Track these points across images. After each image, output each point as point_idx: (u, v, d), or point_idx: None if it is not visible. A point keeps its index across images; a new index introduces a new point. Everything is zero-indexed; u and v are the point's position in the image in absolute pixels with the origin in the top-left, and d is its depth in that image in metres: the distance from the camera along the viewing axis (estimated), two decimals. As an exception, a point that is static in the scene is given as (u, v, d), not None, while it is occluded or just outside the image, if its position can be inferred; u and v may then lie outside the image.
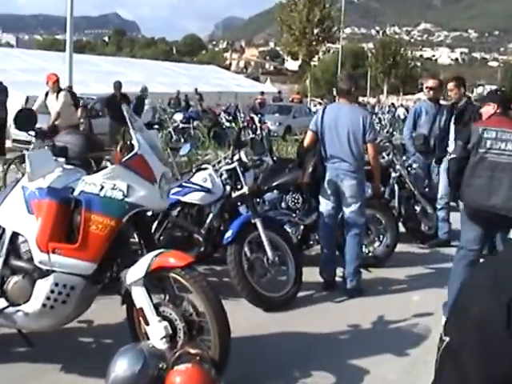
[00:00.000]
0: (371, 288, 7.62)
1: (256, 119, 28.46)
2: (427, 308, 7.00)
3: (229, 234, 6.56)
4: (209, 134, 22.22)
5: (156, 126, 16.55)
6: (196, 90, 35.81)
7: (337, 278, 7.58)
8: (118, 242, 4.60)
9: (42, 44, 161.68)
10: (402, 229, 9.83)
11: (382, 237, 8.59)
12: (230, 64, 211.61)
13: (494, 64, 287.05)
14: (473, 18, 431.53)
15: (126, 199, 4.50)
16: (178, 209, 6.99)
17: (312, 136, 7.33)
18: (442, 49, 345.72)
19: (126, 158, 4.60)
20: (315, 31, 40.61)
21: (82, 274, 4.58)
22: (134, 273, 4.48)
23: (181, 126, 25.63)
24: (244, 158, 6.94)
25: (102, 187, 4.51)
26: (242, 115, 28.18)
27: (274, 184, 8.20)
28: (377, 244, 8.58)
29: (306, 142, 7.42)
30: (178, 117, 25.98)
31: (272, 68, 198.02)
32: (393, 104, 55.92)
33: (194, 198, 6.84)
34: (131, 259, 4.59)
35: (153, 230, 6.83)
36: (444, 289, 7.64)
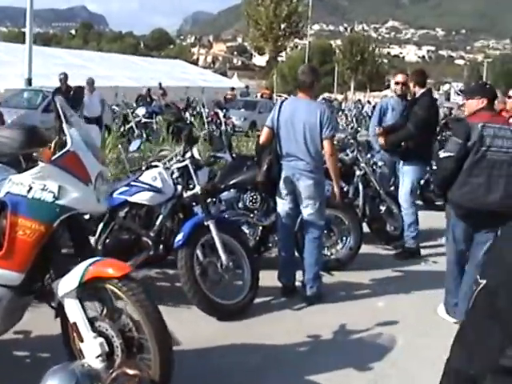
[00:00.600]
0: (333, 293, 7.20)
1: (221, 114, 28.08)
2: (393, 315, 6.59)
3: (179, 236, 6.09)
4: (170, 129, 21.88)
5: (107, 123, 16.07)
6: (160, 84, 35.21)
7: (297, 283, 7.15)
8: (48, 249, 4.13)
9: (8, 36, 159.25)
10: (366, 229, 9.47)
11: (344, 238, 8.17)
12: (198, 59, 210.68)
13: (461, 62, 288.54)
14: (440, 17, 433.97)
15: (57, 202, 4.01)
16: (126, 210, 6.49)
17: (268, 132, 6.89)
18: (410, 46, 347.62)
19: (57, 155, 4.11)
20: (282, 26, 40.21)
21: (7, 284, 4.10)
22: (67, 283, 4.01)
23: (143, 120, 25.14)
24: (196, 155, 6.48)
25: (31, 188, 4.02)
26: (207, 110, 27.74)
27: (231, 182, 7.76)
28: (339, 246, 8.16)
29: (261, 139, 6.99)
30: (141, 111, 25.43)
31: (240, 63, 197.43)
32: (359, 100, 55.80)
33: (143, 198, 6.33)
34: (64, 268, 4.11)
35: (98, 233, 6.35)
36: (410, 294, 7.32)
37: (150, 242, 6.33)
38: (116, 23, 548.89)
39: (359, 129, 29.26)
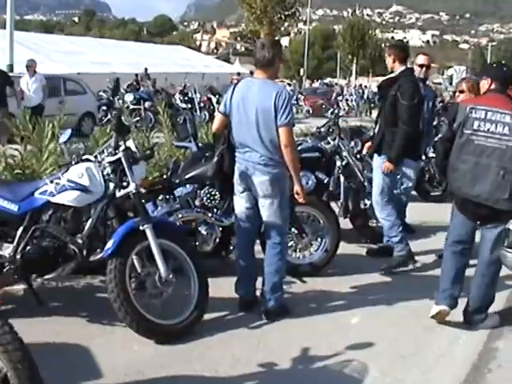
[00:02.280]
0: (301, 306, 6.16)
1: (214, 100, 27.10)
2: (367, 335, 5.56)
3: (109, 244, 5.06)
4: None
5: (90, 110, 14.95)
6: (146, 69, 34.18)
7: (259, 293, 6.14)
8: None
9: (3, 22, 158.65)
10: (349, 226, 8.50)
11: (319, 239, 7.13)
12: (200, 45, 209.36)
13: (465, 46, 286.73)
14: (444, 1, 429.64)
15: None
16: (49, 212, 5.43)
17: (221, 119, 5.86)
18: (414, 31, 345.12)
19: None
20: (277, 9, 38.98)
21: None
22: None
23: (131, 107, 24.19)
24: (133, 147, 5.43)
25: None
26: (198, 96, 26.75)
27: (186, 176, 6.74)
28: (313, 248, 7.12)
29: (213, 127, 5.98)
30: (129, 98, 24.52)
31: (243, 49, 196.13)
32: (360, 85, 54.73)
33: (67, 198, 5.25)
34: None
35: (16, 240, 5.32)
36: (394, 306, 6.30)
37: (77, 250, 5.30)
38: (119, 10, 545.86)
39: (363, 115, 28.20)
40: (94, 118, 21.93)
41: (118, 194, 5.38)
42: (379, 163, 7.50)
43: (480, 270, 5.75)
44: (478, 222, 5.69)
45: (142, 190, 6.00)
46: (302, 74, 57.41)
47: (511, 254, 5.20)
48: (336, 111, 9.02)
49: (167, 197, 6.66)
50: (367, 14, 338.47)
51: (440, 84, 79.82)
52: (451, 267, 5.83)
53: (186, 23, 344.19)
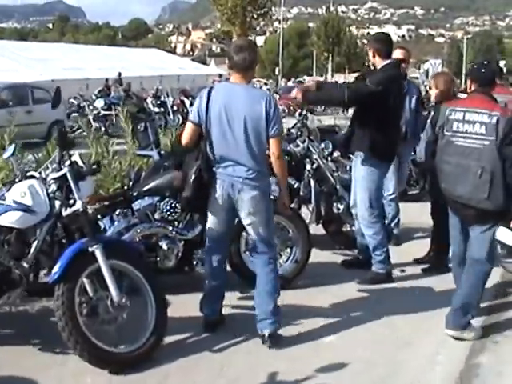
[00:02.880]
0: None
1: (187, 103, 26.65)
2: (341, 356, 5.15)
3: (55, 268, 4.64)
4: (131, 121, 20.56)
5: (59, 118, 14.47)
6: (119, 74, 33.75)
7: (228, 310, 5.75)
8: None
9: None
10: (322, 231, 8.13)
11: (289, 250, 6.77)
12: (175, 47, 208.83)
13: (441, 40, 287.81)
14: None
15: None
16: (-9, 235, 5.02)
17: (194, 130, 5.29)
18: (389, 26, 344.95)
19: None
20: (249, 8, 38.50)
21: None
22: None
23: (102, 113, 23.80)
24: (79, 161, 5.01)
25: None
26: (171, 99, 26.34)
27: (145, 188, 6.33)
28: (282, 259, 6.74)
29: (184, 139, 5.36)
30: (99, 103, 24.10)
31: (219, 50, 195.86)
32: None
33: (9, 219, 4.81)
34: None
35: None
36: (370, 324, 5.91)
37: (22, 275, 4.89)
38: (94, 15, 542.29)
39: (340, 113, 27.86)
40: (63, 126, 21.49)
41: (65, 212, 4.97)
42: (361, 174, 6.93)
43: (465, 269, 5.65)
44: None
45: (99, 206, 5.63)
46: (277, 73, 57.08)
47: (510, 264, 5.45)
48: (304, 112, 8.56)
49: (125, 211, 6.25)
50: (342, 11, 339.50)
51: (417, 78, 79.93)
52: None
53: (161, 26, 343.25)
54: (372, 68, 7.35)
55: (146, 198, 6.32)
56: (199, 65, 67.95)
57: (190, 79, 42.06)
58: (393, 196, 8.47)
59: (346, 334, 5.63)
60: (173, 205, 6.23)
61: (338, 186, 8.06)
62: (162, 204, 6.26)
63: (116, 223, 6.13)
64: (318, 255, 7.41)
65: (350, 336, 5.61)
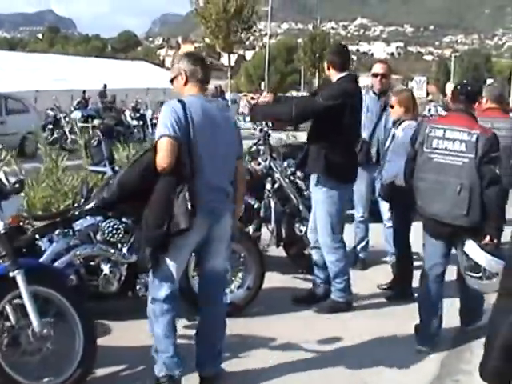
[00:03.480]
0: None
1: (168, 116, 26.31)
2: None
3: (-28, 295, 4.30)
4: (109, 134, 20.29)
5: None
6: (105, 86, 33.32)
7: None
8: None
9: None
10: (282, 254, 7.78)
11: (240, 275, 6.41)
12: (163, 60, 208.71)
13: (429, 58, 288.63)
14: (408, 13, 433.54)
15: None
16: None
17: (176, 147, 4.41)
18: (378, 43, 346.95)
19: None
20: (233, 22, 38.22)
21: None
22: None
23: (79, 125, 23.35)
24: (3, 180, 4.64)
25: None
26: (151, 112, 26.01)
27: (87, 207, 5.97)
28: (234, 285, 6.39)
29: (168, 159, 4.37)
30: (76, 115, 23.72)
31: (208, 63, 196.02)
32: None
33: None
34: None
35: None
36: (322, 356, 5.54)
37: None
38: (84, 26, 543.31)
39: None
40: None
41: (-13, 235, 4.59)
42: (319, 197, 6.47)
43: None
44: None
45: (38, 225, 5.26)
46: (263, 87, 56.71)
47: (473, 278, 5.33)
48: (265, 129, 8.18)
49: (65, 231, 5.87)
50: (332, 27, 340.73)
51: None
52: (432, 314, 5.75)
53: (151, 39, 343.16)
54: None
55: (88, 217, 5.96)
56: (185, 78, 67.47)
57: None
58: (362, 218, 8.15)
59: (297, 373, 5.17)
60: (116, 226, 5.88)
61: (300, 207, 7.72)
62: (104, 224, 5.90)
63: (54, 244, 5.76)
64: (276, 279, 7.07)
65: (302, 375, 5.16)
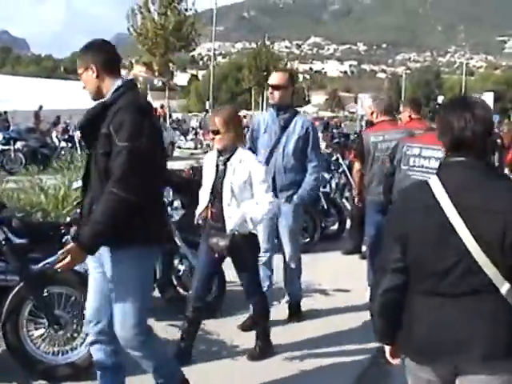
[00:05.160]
0: None
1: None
2: None
3: None
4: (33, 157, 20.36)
5: None
6: (40, 107, 32.12)
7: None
8: None
9: None
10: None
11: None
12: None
13: (383, 75, 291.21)
14: (362, 32, 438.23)
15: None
16: None
17: None
18: (332, 62, 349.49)
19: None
20: (171, 40, 37.24)
21: None
22: None
23: (0, 148, 22.21)
24: None
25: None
26: (79, 133, 24.90)
27: None
28: (78, 341, 5.26)
29: None
30: (-4, 137, 22.48)
31: (160, 83, 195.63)
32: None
33: None
34: None
35: None
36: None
37: None
38: (38, 46, 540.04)
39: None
40: None
41: None
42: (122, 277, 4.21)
43: None
44: None
45: None
46: (207, 107, 55.79)
47: None
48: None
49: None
50: (286, 46, 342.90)
51: (354, 113, 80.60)
52: None
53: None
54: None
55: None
56: (131, 97, 66.90)
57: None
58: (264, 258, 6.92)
59: None
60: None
61: (179, 243, 6.75)
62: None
63: None
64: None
65: None
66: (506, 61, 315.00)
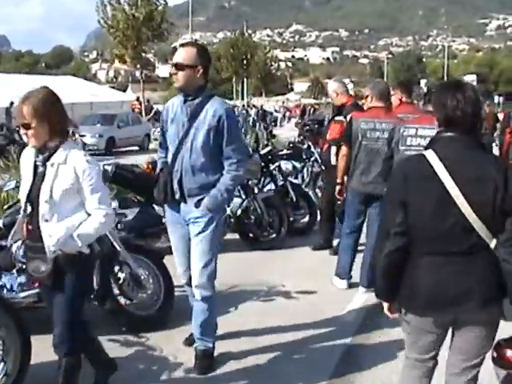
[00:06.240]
0: None
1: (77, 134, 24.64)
2: None
3: None
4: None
5: None
6: (11, 103, 31.31)
7: None
8: None
9: None
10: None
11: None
12: (95, 74, 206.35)
13: (365, 61, 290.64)
14: (343, 18, 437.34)
15: None
16: None
17: None
18: (314, 49, 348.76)
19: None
20: (143, 30, 36.36)
21: None
22: None
23: (-37, 146, 21.58)
24: None
25: None
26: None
27: None
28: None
29: None
30: (-40, 136, 21.81)
31: (143, 76, 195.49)
32: (243, 106, 53.45)
33: None
34: None
35: None
36: None
37: None
38: (19, 43, 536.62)
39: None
40: None
41: None
42: None
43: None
44: None
45: None
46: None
47: None
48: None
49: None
50: (267, 35, 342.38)
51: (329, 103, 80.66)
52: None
53: (86, 53, 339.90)
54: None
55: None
56: (114, 91, 66.87)
57: (103, 106, 40.50)
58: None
59: None
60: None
61: (119, 248, 6.05)
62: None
63: None
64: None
65: None
66: (488, 43, 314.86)
